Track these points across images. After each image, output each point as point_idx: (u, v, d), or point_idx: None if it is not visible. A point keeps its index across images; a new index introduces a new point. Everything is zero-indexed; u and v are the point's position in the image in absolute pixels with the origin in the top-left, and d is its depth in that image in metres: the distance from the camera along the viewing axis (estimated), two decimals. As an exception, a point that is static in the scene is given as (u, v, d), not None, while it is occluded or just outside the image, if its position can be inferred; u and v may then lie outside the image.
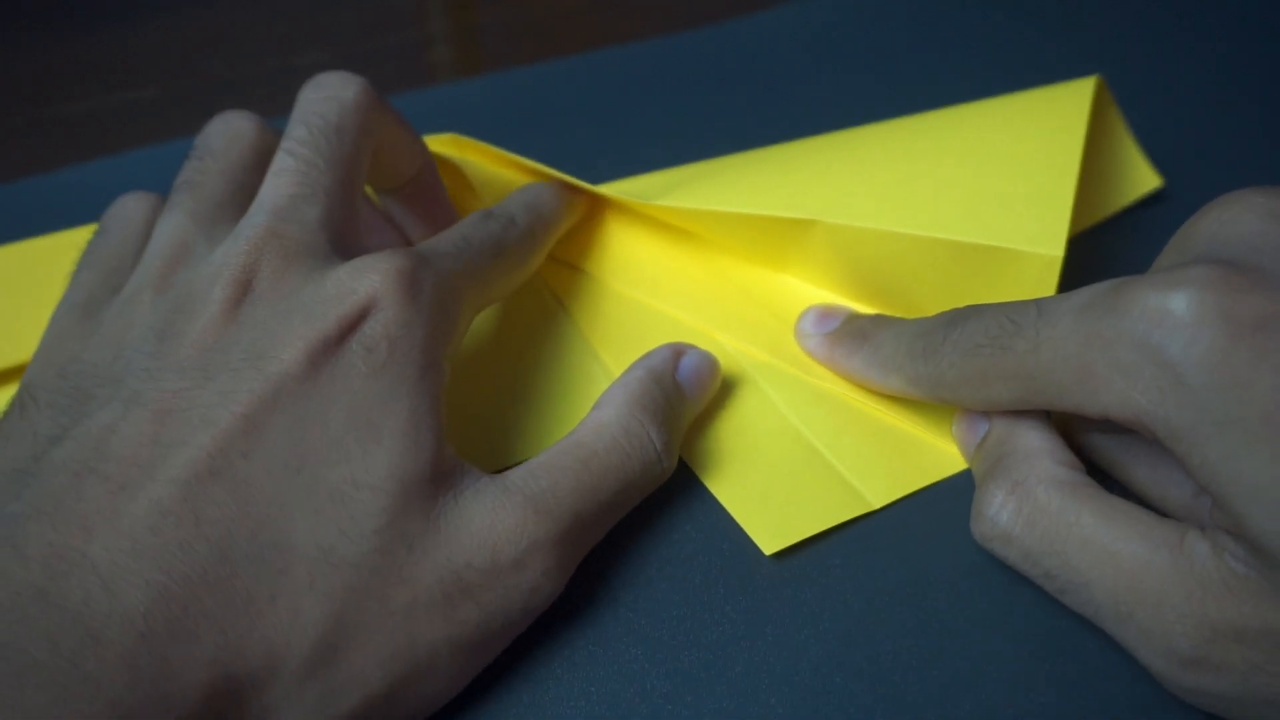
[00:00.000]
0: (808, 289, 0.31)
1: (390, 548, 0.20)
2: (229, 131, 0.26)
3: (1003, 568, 0.24)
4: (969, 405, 0.25)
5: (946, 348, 0.24)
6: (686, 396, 0.26)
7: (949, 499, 0.26)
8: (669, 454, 0.25)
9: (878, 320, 0.27)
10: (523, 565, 0.21)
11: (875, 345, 0.27)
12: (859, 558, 0.25)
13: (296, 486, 0.20)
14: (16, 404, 0.22)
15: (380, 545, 0.20)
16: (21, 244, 0.32)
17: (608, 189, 0.31)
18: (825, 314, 0.29)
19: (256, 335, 0.21)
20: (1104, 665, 0.22)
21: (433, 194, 0.30)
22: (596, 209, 0.32)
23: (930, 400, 0.26)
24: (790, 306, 0.30)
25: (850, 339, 0.27)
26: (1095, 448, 0.25)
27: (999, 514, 0.23)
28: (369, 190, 0.30)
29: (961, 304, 0.25)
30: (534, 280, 0.31)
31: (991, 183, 0.28)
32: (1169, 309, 0.20)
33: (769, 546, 0.25)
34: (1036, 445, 0.24)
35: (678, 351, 0.27)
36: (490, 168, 0.32)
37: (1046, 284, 0.26)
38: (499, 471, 0.23)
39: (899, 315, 0.27)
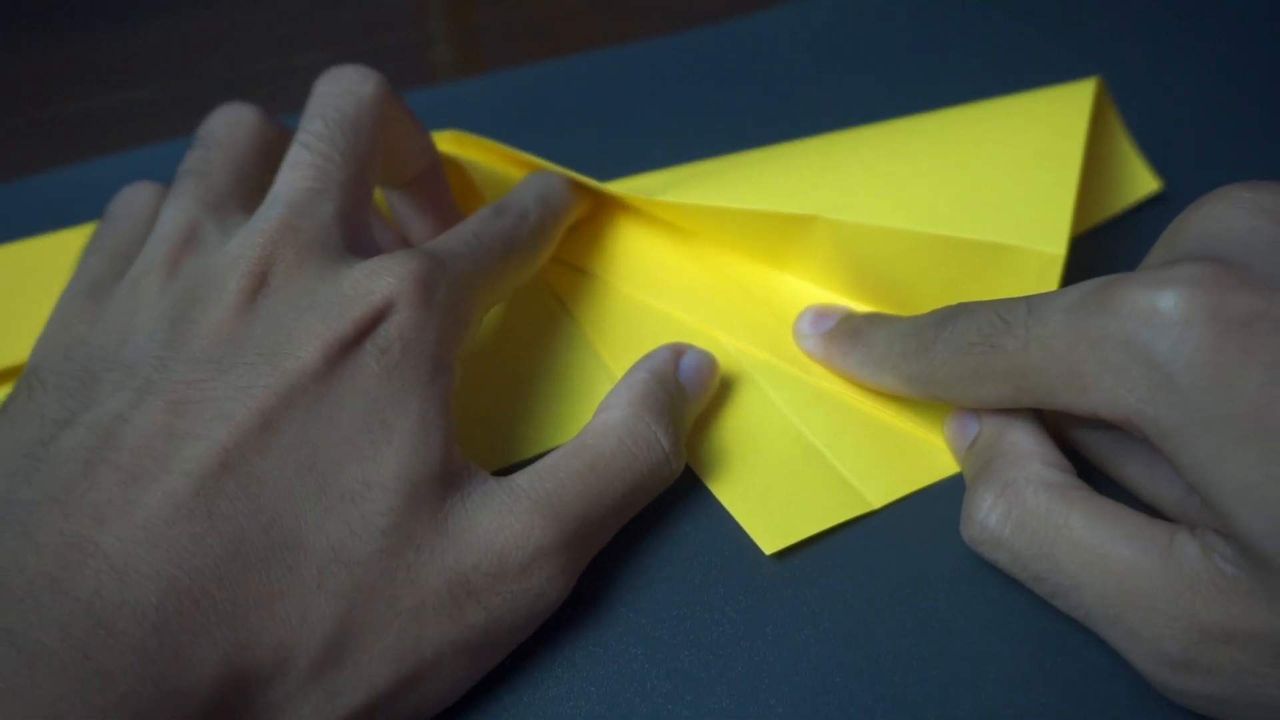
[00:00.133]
0: (808, 288, 0.31)
1: (398, 548, 0.20)
2: (232, 122, 0.26)
3: (1003, 568, 0.24)
4: (961, 404, 0.25)
5: (938, 346, 0.24)
6: (689, 396, 0.26)
7: (949, 499, 0.26)
8: (676, 455, 0.25)
9: (872, 319, 0.27)
10: (529, 570, 0.22)
11: (869, 344, 0.27)
12: (859, 558, 0.25)
13: (308, 484, 0.20)
14: (24, 386, 0.22)
15: (389, 545, 0.20)
16: (21, 244, 0.32)
17: (610, 186, 0.31)
18: (822, 314, 0.29)
19: (272, 330, 0.21)
20: (1103, 665, 0.22)
21: (437, 191, 0.30)
22: (599, 208, 0.32)
23: (923, 399, 0.26)
24: (790, 306, 0.30)
25: (845, 338, 0.28)
26: (1088, 445, 0.25)
27: (988, 517, 0.23)
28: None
29: (963, 302, 0.25)
30: (535, 280, 0.31)
31: (993, 182, 0.28)
32: (1157, 307, 0.20)
33: (769, 546, 0.25)
34: (1026, 447, 0.24)
35: (677, 351, 0.27)
36: (493, 164, 0.32)
37: (1048, 282, 0.26)
38: (501, 471, 0.23)
39: (899, 314, 0.27)
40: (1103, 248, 0.32)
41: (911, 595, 0.24)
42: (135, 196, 0.27)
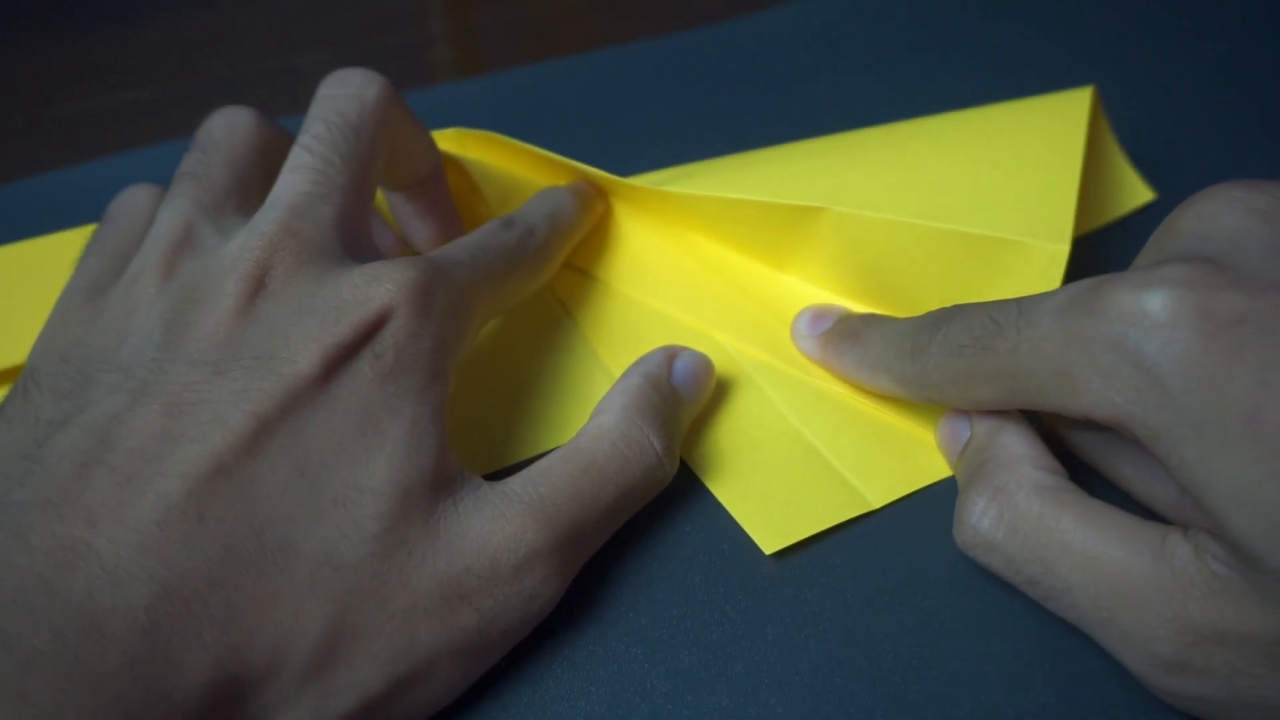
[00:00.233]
0: (808, 289, 0.31)
1: (390, 552, 0.20)
2: (230, 125, 0.26)
3: (1002, 568, 0.24)
4: (955, 405, 0.25)
5: (932, 348, 0.24)
6: (684, 399, 0.26)
7: (949, 499, 0.26)
8: (670, 458, 0.25)
9: (868, 320, 0.27)
10: (521, 573, 0.22)
11: (865, 346, 0.27)
12: (859, 558, 0.25)
13: (301, 489, 0.20)
14: (20, 387, 0.22)
15: (381, 550, 0.20)
16: (21, 244, 0.32)
17: (612, 178, 0.31)
18: (819, 315, 0.29)
19: (269, 334, 0.21)
20: (1103, 665, 0.22)
21: (437, 196, 0.30)
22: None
23: (918, 400, 0.26)
24: (790, 306, 0.30)
25: (841, 340, 0.28)
26: (1082, 446, 0.25)
27: (980, 521, 0.23)
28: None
29: (967, 298, 0.25)
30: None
31: (996, 180, 0.29)
32: (1145, 309, 0.19)
33: (769, 546, 0.25)
34: (1017, 451, 0.24)
35: (671, 354, 0.27)
36: (495, 162, 0.32)
37: (1051, 278, 0.26)
38: (497, 472, 0.23)
39: (903, 312, 0.27)
40: (1102, 249, 0.32)
41: (911, 595, 0.24)
42: (134, 198, 0.27)
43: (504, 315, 0.30)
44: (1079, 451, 0.25)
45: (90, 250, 0.26)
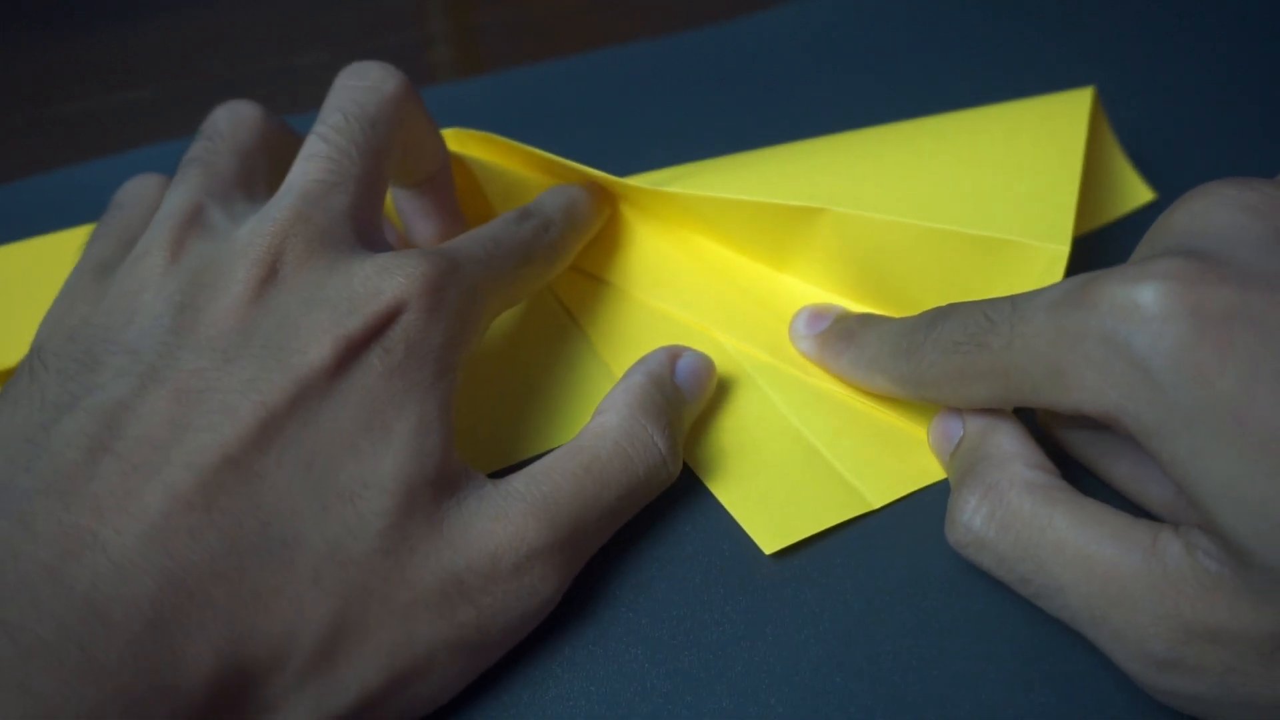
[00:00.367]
0: (808, 289, 0.31)
1: (394, 548, 0.20)
2: (236, 116, 0.26)
3: (1002, 568, 0.24)
4: (951, 403, 0.25)
5: (927, 347, 0.24)
6: (686, 398, 0.26)
7: (949, 499, 0.26)
8: (674, 457, 0.25)
9: (864, 320, 0.27)
10: (522, 570, 0.22)
11: (861, 345, 0.27)
12: (859, 558, 0.25)
13: (307, 482, 0.20)
14: (26, 368, 0.22)
15: (384, 546, 0.20)
16: (21, 244, 0.32)
17: (613, 178, 0.31)
18: (817, 315, 0.29)
19: (280, 323, 0.21)
20: (1103, 665, 0.22)
21: (444, 194, 0.30)
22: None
23: (914, 399, 0.26)
24: (790, 306, 0.30)
25: (838, 339, 0.28)
26: (1076, 445, 0.25)
27: (972, 519, 0.23)
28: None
29: (967, 299, 0.25)
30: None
31: (996, 181, 0.29)
32: (1136, 303, 0.19)
33: (769, 546, 0.25)
34: (1009, 450, 0.24)
35: (673, 354, 0.27)
36: (497, 162, 0.32)
37: (1052, 279, 0.26)
38: (499, 470, 0.23)
39: (904, 313, 0.27)
40: (1100, 249, 0.32)
41: (911, 595, 0.24)
42: (141, 186, 0.27)
43: (508, 315, 0.30)
44: (1072, 451, 0.25)
45: (97, 234, 0.26)
